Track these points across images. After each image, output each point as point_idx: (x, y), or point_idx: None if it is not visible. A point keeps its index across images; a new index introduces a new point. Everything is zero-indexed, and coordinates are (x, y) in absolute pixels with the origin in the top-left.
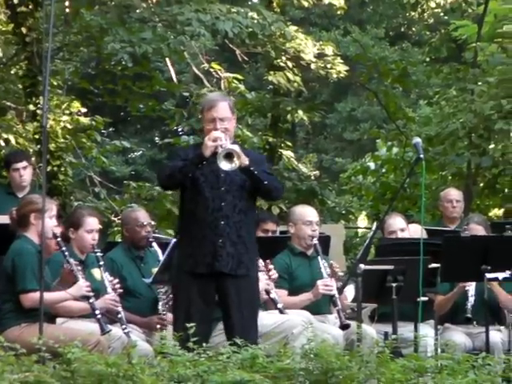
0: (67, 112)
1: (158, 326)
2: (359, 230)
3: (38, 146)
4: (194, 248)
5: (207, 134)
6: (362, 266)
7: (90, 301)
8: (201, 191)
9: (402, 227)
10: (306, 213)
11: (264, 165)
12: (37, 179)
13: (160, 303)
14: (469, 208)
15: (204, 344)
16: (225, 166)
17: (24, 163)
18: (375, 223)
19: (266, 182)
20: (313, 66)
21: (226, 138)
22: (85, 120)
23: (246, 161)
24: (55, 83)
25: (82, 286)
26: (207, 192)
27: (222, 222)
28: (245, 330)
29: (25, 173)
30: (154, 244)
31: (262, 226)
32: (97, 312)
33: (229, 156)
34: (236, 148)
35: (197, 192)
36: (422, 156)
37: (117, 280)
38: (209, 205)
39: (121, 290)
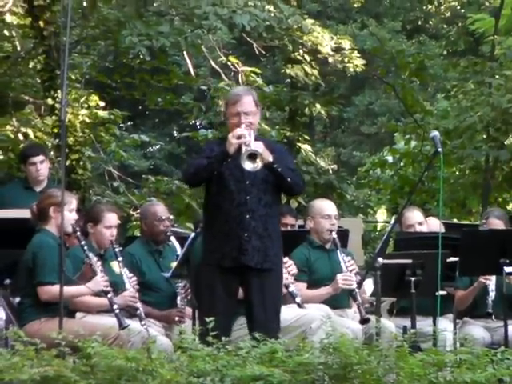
0: (85, 106)
1: (177, 319)
2: (378, 224)
3: (57, 140)
4: (219, 242)
5: (231, 129)
6: (380, 259)
7: (109, 296)
8: (226, 185)
9: (419, 221)
10: (325, 206)
11: (288, 159)
12: (55, 173)
13: (178, 297)
14: (487, 201)
15: (226, 338)
16: (248, 166)
17: (41, 157)
18: (394, 217)
19: (288, 180)
20: (330, 60)
21: (250, 134)
22: (103, 114)
23: (269, 157)
24: (73, 77)
25: (99, 280)
26: (232, 185)
27: (248, 216)
28: (267, 324)
29: (42, 167)
30: (172, 238)
31: (281, 219)
32: (115, 307)
33: (252, 156)
34: (259, 147)
35: (223, 186)
36: (439, 149)
37: (135, 278)
38: (234, 198)
39: (137, 287)
